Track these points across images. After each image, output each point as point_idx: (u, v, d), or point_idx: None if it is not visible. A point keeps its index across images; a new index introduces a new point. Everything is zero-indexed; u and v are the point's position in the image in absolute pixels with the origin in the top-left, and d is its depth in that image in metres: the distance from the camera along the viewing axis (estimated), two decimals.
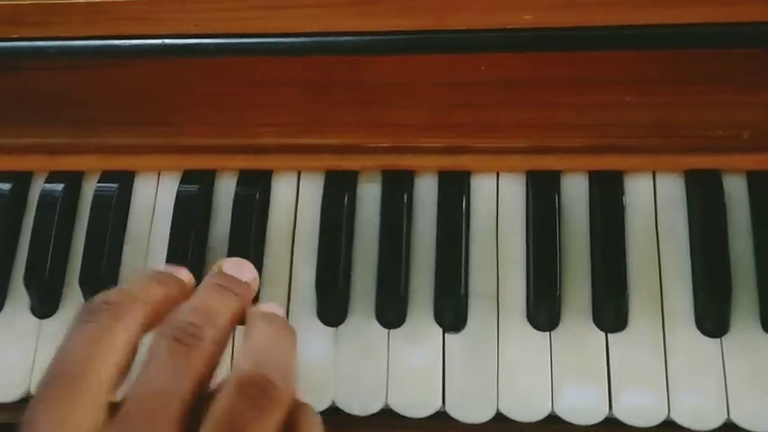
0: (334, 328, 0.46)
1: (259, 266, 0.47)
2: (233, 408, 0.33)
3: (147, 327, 0.37)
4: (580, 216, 0.46)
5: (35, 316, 0.49)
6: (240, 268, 0.42)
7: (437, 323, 0.45)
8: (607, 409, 0.43)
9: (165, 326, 0.36)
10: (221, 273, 0.41)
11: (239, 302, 0.40)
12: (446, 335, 0.45)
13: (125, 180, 0.50)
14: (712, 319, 0.43)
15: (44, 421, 0.32)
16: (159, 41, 0.47)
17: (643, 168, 0.47)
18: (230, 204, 0.49)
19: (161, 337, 0.35)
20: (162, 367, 0.34)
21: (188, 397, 0.33)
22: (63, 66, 0.51)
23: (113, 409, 0.34)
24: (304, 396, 0.39)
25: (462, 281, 0.45)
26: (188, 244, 0.48)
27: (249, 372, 0.34)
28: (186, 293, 0.41)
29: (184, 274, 0.42)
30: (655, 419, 0.42)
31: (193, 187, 0.49)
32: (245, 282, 0.41)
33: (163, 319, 0.38)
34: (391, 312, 0.46)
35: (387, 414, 0.44)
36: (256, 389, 0.33)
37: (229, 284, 0.40)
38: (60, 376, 0.34)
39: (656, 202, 0.46)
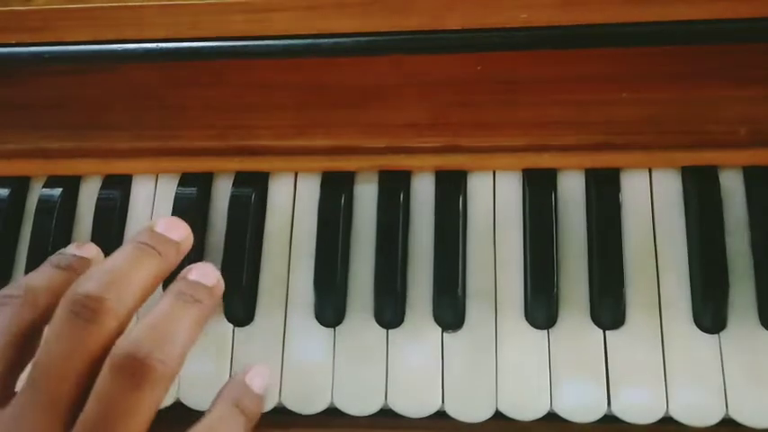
0: (332, 329, 0.46)
1: (256, 268, 0.47)
2: (105, 388, 0.33)
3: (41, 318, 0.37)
4: (577, 214, 0.46)
5: None
6: (172, 227, 0.40)
7: (435, 323, 0.45)
8: (606, 406, 0.43)
9: (67, 295, 0.35)
10: (149, 230, 0.40)
11: (161, 264, 0.38)
12: (444, 334, 0.45)
13: (123, 184, 0.50)
14: (710, 316, 0.43)
15: None
16: (155, 45, 0.47)
17: (639, 165, 0.46)
18: (228, 206, 0.49)
19: (61, 309, 0.35)
20: (55, 344, 0.34)
21: (76, 375, 0.34)
22: (60, 71, 0.51)
23: None
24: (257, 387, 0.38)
25: (460, 280, 0.45)
26: None
27: (122, 351, 0.34)
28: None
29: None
30: (653, 416, 0.42)
31: (191, 190, 0.49)
32: (174, 241, 0.40)
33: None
34: (389, 312, 0.46)
35: (386, 414, 0.45)
36: (128, 369, 0.33)
37: (155, 243, 0.39)
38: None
39: (652, 199, 0.46)
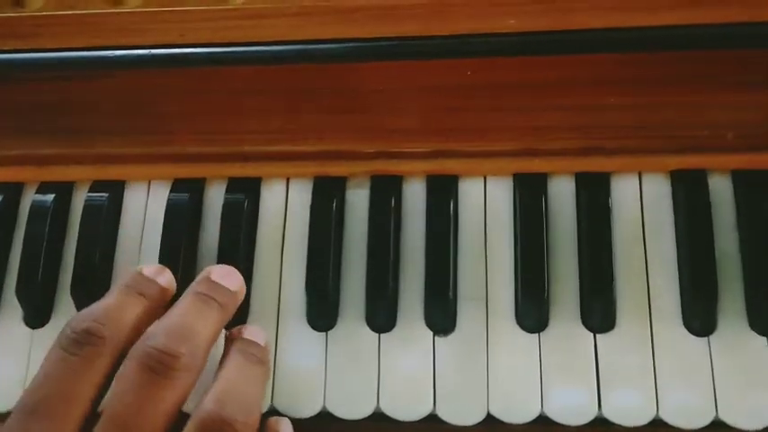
0: (324, 334, 0.46)
1: (249, 273, 0.47)
2: None
3: (124, 352, 0.37)
4: (567, 217, 0.47)
5: (28, 326, 0.49)
6: (228, 276, 0.42)
7: (427, 327, 0.46)
8: (596, 409, 0.43)
9: (138, 347, 0.35)
10: (207, 280, 0.41)
11: (222, 315, 0.40)
12: (436, 338, 0.45)
13: (115, 190, 0.51)
14: (699, 318, 0.44)
15: None
16: (146, 52, 0.47)
17: (629, 169, 0.47)
18: (220, 212, 0.49)
19: (133, 361, 0.35)
20: (132, 397, 0.34)
21: (156, 428, 0.34)
22: (52, 77, 0.51)
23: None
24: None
25: (451, 284, 0.45)
26: (179, 252, 0.48)
27: (210, 412, 0.35)
28: (166, 300, 0.41)
29: (166, 279, 0.42)
30: (644, 418, 0.43)
31: (184, 196, 0.49)
32: (232, 291, 0.41)
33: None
34: (381, 317, 0.46)
35: (378, 418, 0.45)
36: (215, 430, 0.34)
37: (214, 294, 0.40)
38: (44, 406, 0.34)
39: (642, 203, 0.46)
